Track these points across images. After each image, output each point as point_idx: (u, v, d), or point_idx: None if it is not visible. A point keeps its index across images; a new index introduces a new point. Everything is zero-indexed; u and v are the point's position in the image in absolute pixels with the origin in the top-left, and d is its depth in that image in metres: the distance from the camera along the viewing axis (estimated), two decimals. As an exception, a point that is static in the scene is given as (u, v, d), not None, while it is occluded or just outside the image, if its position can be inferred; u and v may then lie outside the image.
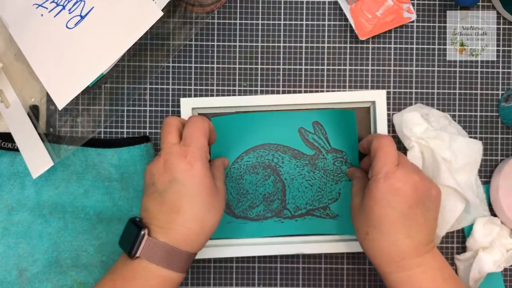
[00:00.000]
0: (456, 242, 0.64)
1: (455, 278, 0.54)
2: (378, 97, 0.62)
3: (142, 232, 0.51)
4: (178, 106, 0.64)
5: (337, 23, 0.64)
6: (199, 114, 0.63)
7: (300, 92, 0.64)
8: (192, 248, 0.53)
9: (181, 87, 0.64)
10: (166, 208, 0.52)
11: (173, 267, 0.51)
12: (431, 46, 0.64)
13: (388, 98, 0.64)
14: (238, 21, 0.64)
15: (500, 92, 0.64)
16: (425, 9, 0.64)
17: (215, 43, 0.64)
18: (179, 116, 0.62)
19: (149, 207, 0.53)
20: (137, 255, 0.51)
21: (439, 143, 0.60)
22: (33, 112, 0.63)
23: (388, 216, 0.52)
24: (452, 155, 0.60)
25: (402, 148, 0.63)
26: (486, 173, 0.64)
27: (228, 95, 0.64)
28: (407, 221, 0.52)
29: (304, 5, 0.64)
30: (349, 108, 0.63)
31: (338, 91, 0.64)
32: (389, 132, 0.63)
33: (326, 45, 0.64)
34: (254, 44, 0.64)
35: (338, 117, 0.63)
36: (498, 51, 0.64)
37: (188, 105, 0.61)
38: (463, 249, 0.64)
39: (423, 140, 0.60)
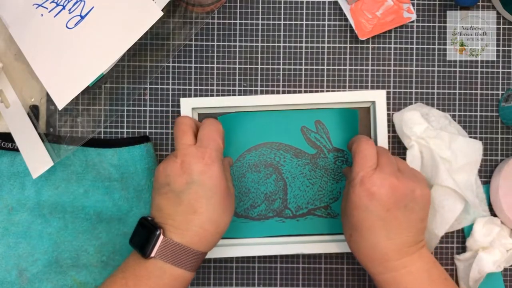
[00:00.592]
0: (456, 242, 0.64)
1: (445, 279, 0.54)
2: (378, 97, 0.62)
3: (158, 233, 0.51)
4: (178, 106, 0.64)
5: (337, 23, 0.64)
6: (199, 114, 0.63)
7: (300, 92, 0.64)
8: (206, 248, 0.53)
9: (181, 87, 0.64)
10: (183, 209, 0.52)
11: (186, 266, 0.52)
12: (431, 46, 0.64)
13: (388, 98, 0.64)
14: (238, 21, 0.64)
15: (500, 92, 0.64)
16: (425, 9, 0.64)
17: (215, 43, 0.64)
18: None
19: (163, 207, 0.53)
20: (152, 255, 0.51)
21: (439, 142, 0.60)
22: (33, 112, 0.63)
23: (366, 220, 0.52)
24: (452, 155, 0.60)
25: (402, 148, 0.63)
26: (486, 173, 0.64)
27: (228, 95, 0.64)
28: (386, 224, 0.52)
29: (304, 5, 0.64)
30: (349, 108, 0.63)
31: (338, 91, 0.64)
32: (389, 131, 0.63)
33: (326, 45, 0.64)
34: (254, 44, 0.64)
35: (340, 116, 0.63)
36: (498, 51, 0.64)
37: (188, 105, 0.61)
38: (463, 249, 0.64)
39: (423, 140, 0.60)
